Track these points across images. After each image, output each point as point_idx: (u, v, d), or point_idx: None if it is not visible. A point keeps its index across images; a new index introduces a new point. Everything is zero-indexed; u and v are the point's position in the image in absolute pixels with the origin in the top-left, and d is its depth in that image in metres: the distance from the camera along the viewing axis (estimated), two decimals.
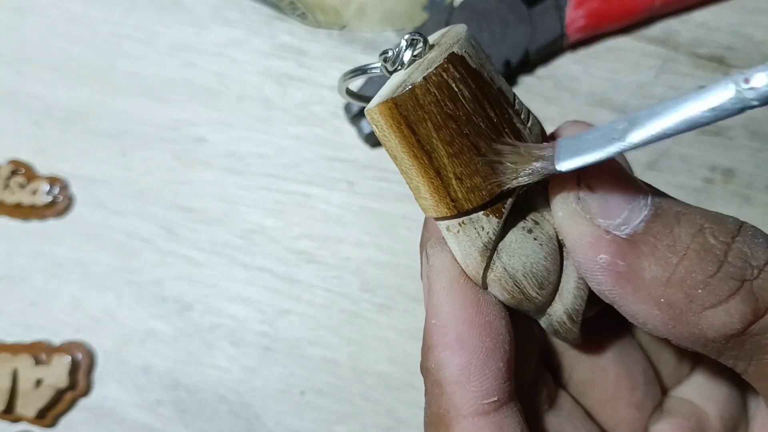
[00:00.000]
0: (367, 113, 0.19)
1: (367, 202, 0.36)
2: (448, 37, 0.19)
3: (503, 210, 0.19)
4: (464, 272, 0.20)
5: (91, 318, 0.35)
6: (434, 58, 0.18)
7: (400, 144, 0.19)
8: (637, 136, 0.15)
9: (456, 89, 0.18)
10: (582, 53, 0.37)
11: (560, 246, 0.20)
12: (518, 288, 0.20)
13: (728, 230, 0.17)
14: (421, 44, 0.19)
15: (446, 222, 0.19)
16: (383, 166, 0.36)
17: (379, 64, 0.20)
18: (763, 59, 0.36)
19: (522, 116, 0.19)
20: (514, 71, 0.36)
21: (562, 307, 0.21)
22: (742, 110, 0.14)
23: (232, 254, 0.36)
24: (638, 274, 0.17)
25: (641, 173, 0.35)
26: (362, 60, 0.37)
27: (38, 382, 0.34)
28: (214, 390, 0.34)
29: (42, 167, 0.37)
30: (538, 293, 0.20)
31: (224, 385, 0.34)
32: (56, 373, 0.34)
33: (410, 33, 0.19)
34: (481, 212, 0.19)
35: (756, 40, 0.36)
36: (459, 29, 0.19)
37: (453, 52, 0.18)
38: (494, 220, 0.19)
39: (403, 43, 0.19)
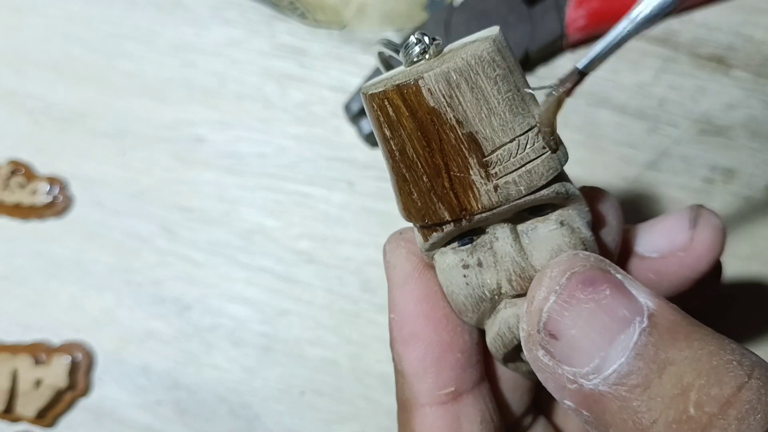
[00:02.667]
0: (362, 91, 0.18)
1: (367, 202, 0.36)
2: (463, 51, 0.16)
3: (434, 232, 0.18)
4: (420, 268, 0.20)
5: (91, 318, 0.35)
6: (424, 69, 0.16)
7: (376, 133, 0.18)
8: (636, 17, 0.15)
9: (394, 118, 0.16)
10: (582, 53, 0.37)
11: (495, 298, 0.19)
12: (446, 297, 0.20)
13: (719, 397, 0.13)
14: (430, 48, 0.17)
15: None
16: (383, 165, 0.36)
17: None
18: (764, 59, 0.36)
19: (495, 168, 0.16)
20: None
21: (486, 340, 0.20)
22: None
23: (231, 254, 0.36)
24: (605, 428, 0.15)
25: (641, 173, 0.35)
26: (362, 60, 0.37)
27: (38, 382, 0.34)
28: (213, 390, 0.34)
29: (41, 167, 0.37)
30: (458, 314, 0.20)
31: (224, 385, 0.34)
32: (56, 374, 0.34)
33: (420, 33, 0.18)
34: (418, 226, 0.19)
35: (756, 40, 0.36)
36: (481, 47, 0.16)
37: (410, 82, 0.16)
38: (421, 239, 0.19)
39: (413, 39, 0.18)
